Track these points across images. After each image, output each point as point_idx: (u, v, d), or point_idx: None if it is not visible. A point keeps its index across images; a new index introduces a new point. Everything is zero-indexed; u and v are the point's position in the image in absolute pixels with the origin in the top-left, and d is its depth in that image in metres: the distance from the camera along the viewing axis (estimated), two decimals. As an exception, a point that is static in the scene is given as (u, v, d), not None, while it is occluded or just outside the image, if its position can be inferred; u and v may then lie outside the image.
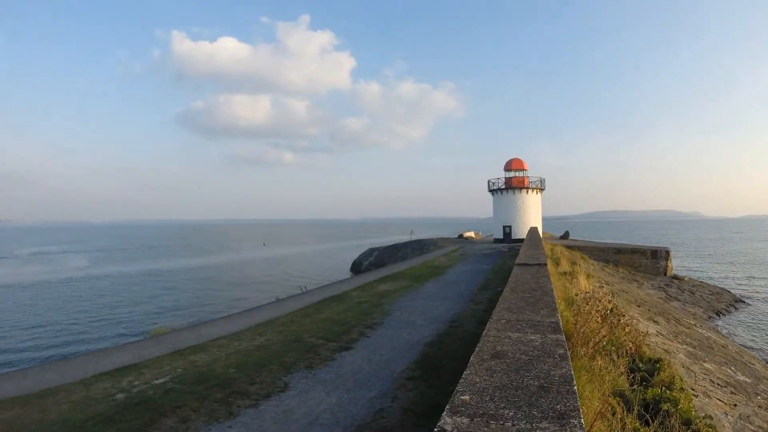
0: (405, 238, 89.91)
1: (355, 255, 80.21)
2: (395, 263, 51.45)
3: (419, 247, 64.90)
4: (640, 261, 50.06)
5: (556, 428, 4.01)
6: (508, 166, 64.52)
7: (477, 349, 6.45)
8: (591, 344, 9.22)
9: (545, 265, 17.11)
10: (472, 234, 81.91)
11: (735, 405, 13.99)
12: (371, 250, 75.93)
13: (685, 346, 21.93)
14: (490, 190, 65.30)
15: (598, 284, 27.21)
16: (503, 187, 63.57)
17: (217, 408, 10.50)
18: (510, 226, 62.26)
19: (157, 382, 12.89)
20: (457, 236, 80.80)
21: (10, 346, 33.09)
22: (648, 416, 7.95)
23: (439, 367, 12.32)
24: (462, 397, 4.71)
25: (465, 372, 5.48)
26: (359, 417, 9.72)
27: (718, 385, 16.16)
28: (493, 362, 5.79)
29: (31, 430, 10.37)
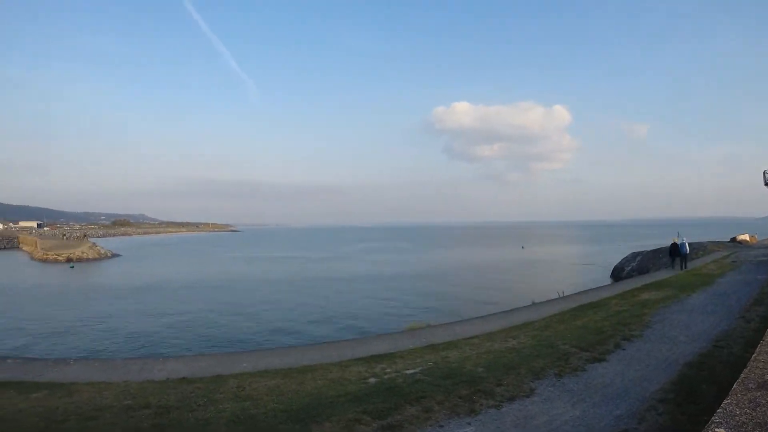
0: (670, 241, 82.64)
1: (617, 259, 75.85)
2: (659, 270, 47.83)
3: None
4: None
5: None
6: (789, 152, 52.54)
7: (742, 375, 5.70)
8: None
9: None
10: (746, 237, 72.38)
11: None
12: (634, 255, 71.01)
13: None
14: (767, 183, 54.59)
15: None
16: (783, 179, 52.65)
17: (460, 404, 10.67)
18: (794, 227, 51.79)
19: (407, 372, 13.44)
20: (729, 240, 72.30)
21: (280, 326, 36.78)
22: None
23: (696, 392, 11.07)
24: (717, 430, 4.17)
25: (725, 401, 4.88)
26: (600, 435, 9.16)
27: None
28: (758, 393, 5.07)
29: (288, 398, 11.55)
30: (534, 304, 29.98)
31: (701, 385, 11.59)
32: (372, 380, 12.89)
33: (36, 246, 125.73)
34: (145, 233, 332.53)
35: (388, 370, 13.79)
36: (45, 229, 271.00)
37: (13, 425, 10.22)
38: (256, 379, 13.69)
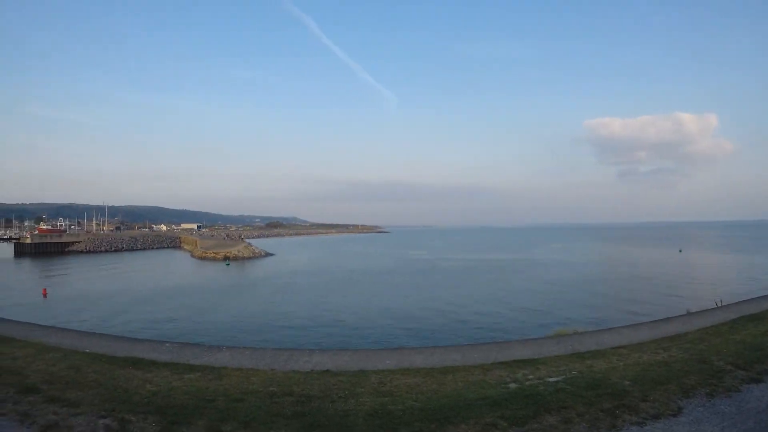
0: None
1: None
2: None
3: None
4: None
5: None
6: None
7: None
8: None
9: None
10: None
11: None
12: (801, 259, 64.78)
13: None
14: None
15: None
16: None
17: (601, 417, 10.32)
18: None
19: (550, 379, 13.25)
20: None
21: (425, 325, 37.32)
22: None
23: None
24: None
25: None
26: (750, 468, 8.61)
27: None
28: None
29: (427, 397, 11.87)
30: (689, 313, 28.34)
31: None
32: (512, 386, 12.84)
33: (196, 245, 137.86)
34: (296, 234, 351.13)
35: (530, 377, 13.66)
36: (204, 230, 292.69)
37: (166, 400, 11.34)
38: (397, 377, 14.13)
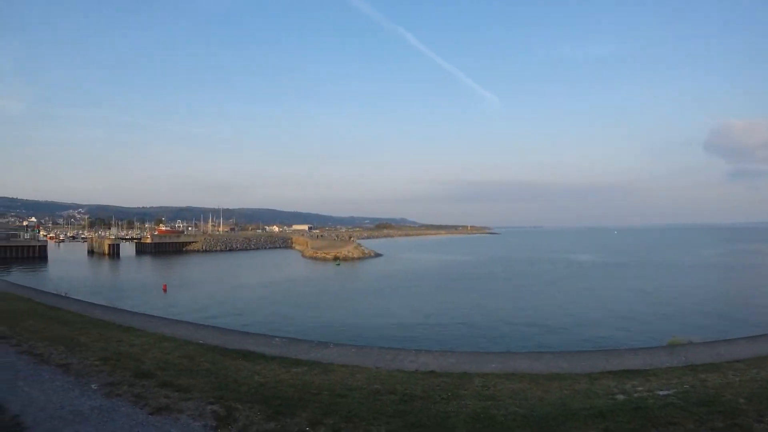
0: None
1: None
2: None
3: None
4: None
5: None
6: None
7: None
8: None
9: None
10: None
11: None
12: None
13: None
14: None
15: None
16: None
17: None
18: None
19: (660, 392, 12.77)
20: None
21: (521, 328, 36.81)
22: None
23: None
24: None
25: None
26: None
27: None
28: None
29: (531, 403, 11.70)
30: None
31: None
32: (620, 397, 12.48)
33: (307, 245, 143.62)
34: (405, 235, 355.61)
35: (640, 388, 13.22)
36: (315, 231, 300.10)
37: (273, 391, 11.90)
38: (501, 381, 14.06)
